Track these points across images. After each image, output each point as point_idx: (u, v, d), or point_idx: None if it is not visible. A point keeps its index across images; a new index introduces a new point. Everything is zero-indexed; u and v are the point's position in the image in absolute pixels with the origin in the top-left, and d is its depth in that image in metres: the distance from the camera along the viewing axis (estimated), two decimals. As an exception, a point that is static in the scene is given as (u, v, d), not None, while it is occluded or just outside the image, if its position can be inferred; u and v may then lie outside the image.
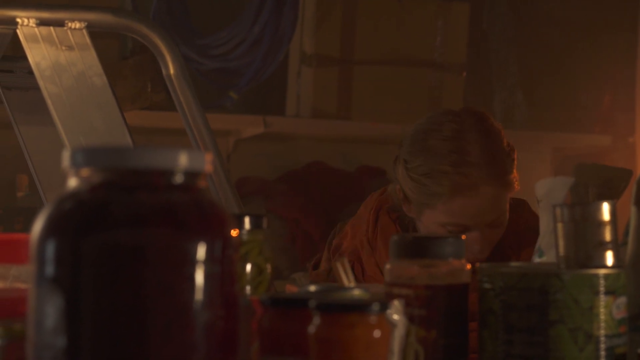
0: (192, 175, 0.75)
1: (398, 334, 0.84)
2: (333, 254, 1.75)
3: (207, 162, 0.76)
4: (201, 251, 0.73)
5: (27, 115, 1.72)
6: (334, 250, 1.76)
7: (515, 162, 1.70)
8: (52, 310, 0.71)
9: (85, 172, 0.74)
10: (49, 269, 0.72)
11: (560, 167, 3.43)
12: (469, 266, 1.01)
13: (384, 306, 0.80)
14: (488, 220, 1.66)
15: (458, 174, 1.63)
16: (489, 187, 1.64)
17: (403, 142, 1.71)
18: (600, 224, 0.97)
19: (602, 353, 0.93)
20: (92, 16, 1.57)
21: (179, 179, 0.74)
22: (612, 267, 0.97)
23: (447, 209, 1.64)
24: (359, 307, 0.79)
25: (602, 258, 0.97)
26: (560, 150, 3.50)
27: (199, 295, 0.72)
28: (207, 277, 0.73)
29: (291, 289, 1.15)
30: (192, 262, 0.72)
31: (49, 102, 1.51)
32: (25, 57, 1.59)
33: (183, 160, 0.74)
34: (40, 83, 1.52)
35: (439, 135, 1.66)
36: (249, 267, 1.01)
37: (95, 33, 1.66)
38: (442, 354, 0.97)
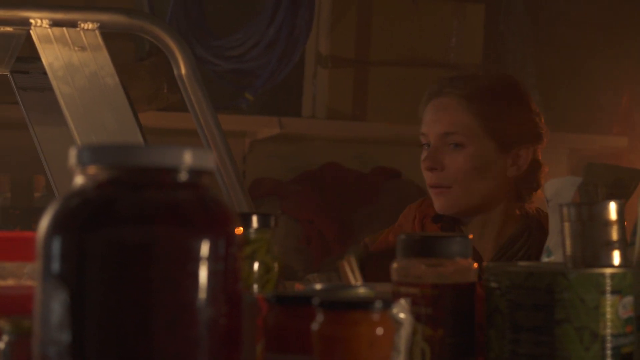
0: (196, 173, 0.76)
1: (405, 332, 0.84)
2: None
3: (211, 160, 0.77)
4: (205, 248, 0.73)
5: (42, 116, 1.74)
6: None
7: (528, 130, 1.71)
8: (57, 306, 0.72)
9: (91, 169, 0.75)
10: (55, 265, 0.73)
11: (577, 168, 3.42)
12: (475, 265, 1.01)
13: (387, 304, 0.80)
14: (440, 129, 1.68)
15: (436, 84, 1.72)
16: (449, 97, 1.69)
17: None
18: (607, 223, 0.97)
19: (609, 352, 0.93)
20: (105, 17, 1.59)
21: (183, 176, 0.75)
22: (619, 266, 0.97)
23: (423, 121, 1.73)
24: (362, 305, 0.80)
25: (609, 257, 0.97)
26: (577, 151, 3.48)
27: (202, 292, 0.73)
28: (211, 274, 0.73)
29: (300, 287, 1.16)
30: (196, 259, 0.73)
31: (61, 102, 1.53)
32: (40, 58, 1.60)
33: (188, 158, 0.75)
34: (53, 83, 1.54)
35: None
36: (256, 265, 1.02)
37: (112, 35, 1.67)
38: (448, 352, 0.98)
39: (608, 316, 0.93)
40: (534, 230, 1.73)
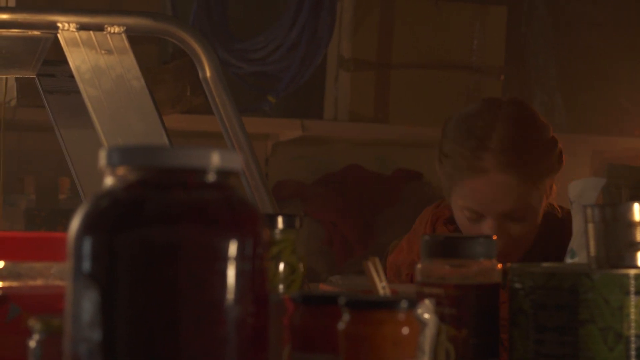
0: (224, 174, 0.77)
1: (429, 332, 0.85)
2: (390, 272, 1.75)
3: (238, 161, 0.78)
4: (232, 248, 0.74)
5: (69, 119, 1.76)
6: (390, 267, 1.76)
7: (555, 161, 1.70)
8: (88, 305, 0.73)
9: (120, 170, 0.76)
10: (86, 265, 0.74)
11: (600, 170, 3.40)
12: (499, 266, 1.01)
13: (412, 304, 0.81)
14: (500, 209, 1.63)
15: (472, 157, 1.62)
16: (500, 174, 1.62)
17: (446, 124, 1.72)
18: (631, 224, 0.97)
19: (633, 353, 0.93)
20: (131, 20, 1.60)
21: (211, 177, 0.76)
22: (643, 267, 0.97)
23: (461, 191, 1.64)
24: (387, 305, 0.80)
25: (633, 258, 0.97)
26: (599, 153, 3.47)
27: (230, 291, 0.74)
28: (238, 274, 0.74)
29: (325, 287, 1.16)
30: (223, 259, 0.74)
31: (88, 104, 1.54)
32: (66, 62, 1.62)
33: (215, 159, 0.76)
34: (80, 86, 1.56)
35: (472, 120, 1.67)
36: (282, 266, 1.03)
37: (136, 38, 1.69)
38: (472, 352, 0.98)
39: (632, 317, 0.93)
40: (551, 225, 1.72)
